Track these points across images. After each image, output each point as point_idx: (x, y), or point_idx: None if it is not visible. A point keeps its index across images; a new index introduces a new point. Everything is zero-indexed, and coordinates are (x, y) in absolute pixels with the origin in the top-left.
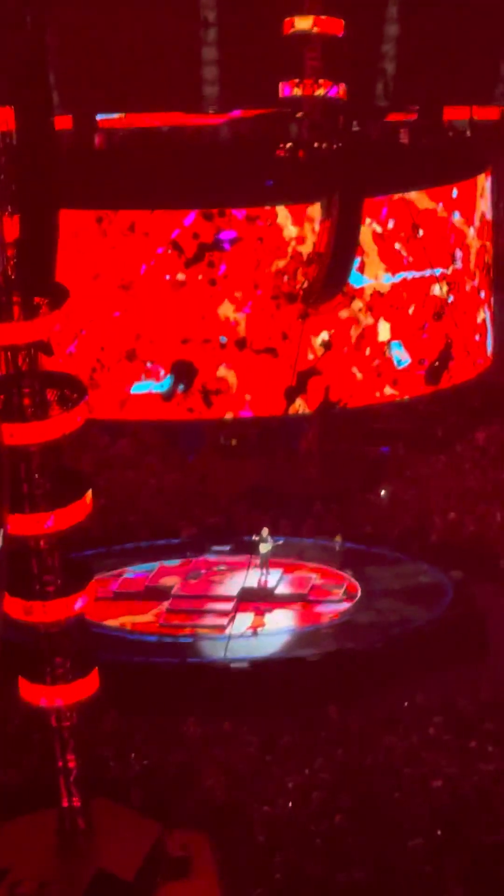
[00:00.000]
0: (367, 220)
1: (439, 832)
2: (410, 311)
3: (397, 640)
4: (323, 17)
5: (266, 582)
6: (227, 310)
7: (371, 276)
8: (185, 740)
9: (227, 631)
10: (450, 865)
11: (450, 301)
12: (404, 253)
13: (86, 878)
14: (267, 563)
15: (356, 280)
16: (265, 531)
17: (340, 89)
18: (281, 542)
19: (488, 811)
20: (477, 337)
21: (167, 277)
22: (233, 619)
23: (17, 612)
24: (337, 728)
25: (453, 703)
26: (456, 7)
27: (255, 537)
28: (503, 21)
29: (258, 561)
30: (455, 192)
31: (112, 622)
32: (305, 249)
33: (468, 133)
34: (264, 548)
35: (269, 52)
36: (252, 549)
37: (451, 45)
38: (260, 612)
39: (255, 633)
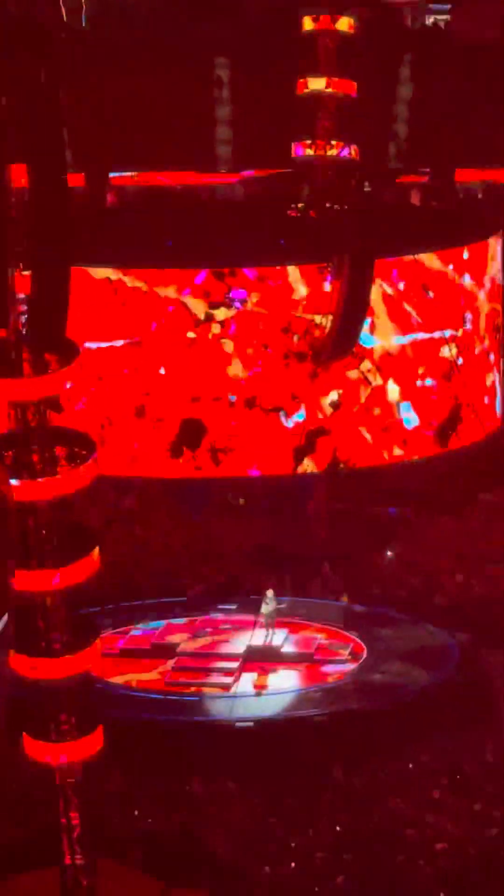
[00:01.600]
0: (378, 281)
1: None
2: (420, 372)
3: (403, 701)
4: (336, 78)
5: (271, 641)
6: (236, 368)
7: (381, 336)
8: (189, 799)
9: (233, 690)
10: None
11: (459, 363)
12: (414, 314)
13: None
14: (272, 624)
15: (366, 340)
16: (270, 592)
17: (352, 150)
18: (283, 603)
19: (492, 876)
20: (486, 399)
21: (178, 335)
22: (238, 678)
23: (23, 669)
24: (341, 789)
25: (459, 766)
26: (469, 69)
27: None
28: None
29: (259, 622)
30: (466, 255)
31: (118, 679)
32: (316, 309)
33: (480, 196)
34: (266, 608)
35: (282, 112)
36: (259, 608)
37: (465, 107)
38: (265, 672)
39: (260, 693)
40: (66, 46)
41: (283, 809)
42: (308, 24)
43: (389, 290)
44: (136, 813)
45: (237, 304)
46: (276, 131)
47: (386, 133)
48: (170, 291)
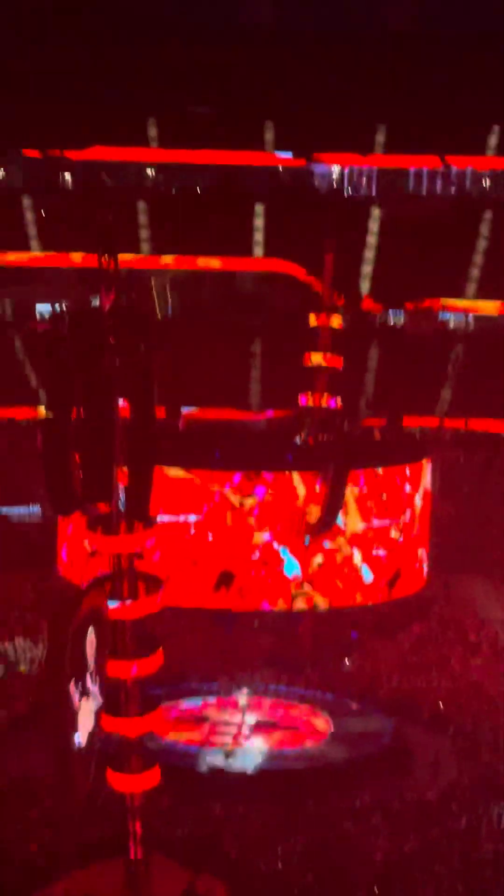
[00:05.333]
0: (350, 486)
1: (376, 889)
2: (375, 545)
3: (355, 760)
4: (329, 354)
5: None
6: (259, 538)
7: (351, 521)
8: (212, 818)
9: (246, 748)
10: None
11: (400, 541)
12: (373, 508)
13: None
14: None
15: (341, 523)
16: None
17: (337, 401)
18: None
19: (409, 878)
20: (417, 565)
21: (221, 515)
22: (250, 740)
23: (110, 727)
24: (313, 815)
25: (389, 805)
26: (413, 353)
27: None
28: (442, 361)
29: (263, 703)
30: (408, 472)
31: (171, 737)
32: (311, 502)
33: (417, 435)
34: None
35: (292, 375)
36: (262, 693)
37: (409, 377)
38: (267, 736)
39: (262, 751)
40: (157, 327)
41: (274, 827)
42: (313, 320)
43: (357, 492)
44: (178, 825)
45: (260, 497)
46: (289, 387)
47: (359, 391)
48: (216, 486)
